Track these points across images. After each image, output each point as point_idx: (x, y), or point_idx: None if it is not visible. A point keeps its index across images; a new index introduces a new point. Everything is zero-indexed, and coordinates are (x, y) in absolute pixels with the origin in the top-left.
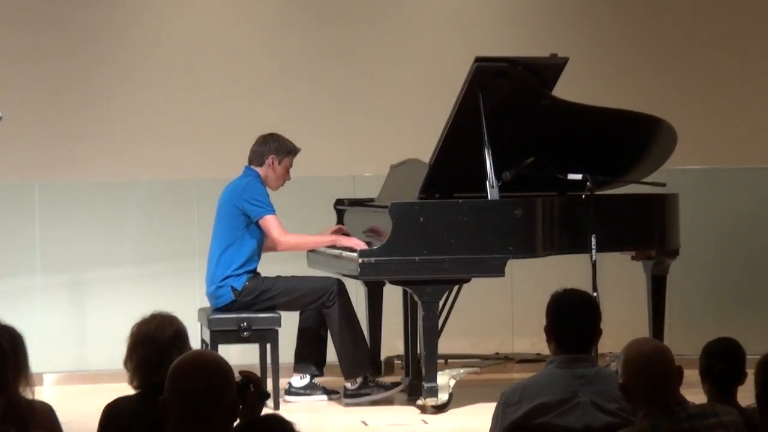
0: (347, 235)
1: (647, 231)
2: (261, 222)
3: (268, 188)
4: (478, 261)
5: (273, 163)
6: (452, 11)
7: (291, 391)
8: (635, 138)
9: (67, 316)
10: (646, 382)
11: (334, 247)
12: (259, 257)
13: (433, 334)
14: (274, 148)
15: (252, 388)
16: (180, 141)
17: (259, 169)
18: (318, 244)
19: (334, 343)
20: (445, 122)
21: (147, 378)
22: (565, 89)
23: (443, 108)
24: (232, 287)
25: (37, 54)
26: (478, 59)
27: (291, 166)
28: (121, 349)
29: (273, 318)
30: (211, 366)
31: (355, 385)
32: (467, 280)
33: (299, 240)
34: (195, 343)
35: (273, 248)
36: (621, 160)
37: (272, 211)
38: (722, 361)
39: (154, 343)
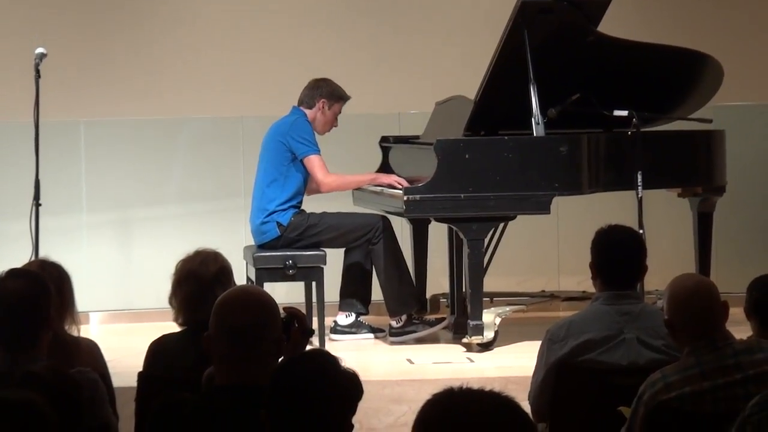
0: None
1: (693, 168)
2: (305, 161)
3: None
4: (524, 198)
5: (323, 107)
6: None
7: (336, 329)
8: (681, 74)
9: (112, 254)
10: (691, 317)
11: (376, 185)
12: (304, 194)
13: (479, 271)
14: (325, 93)
15: (296, 325)
16: (226, 79)
17: (308, 111)
18: (360, 183)
19: (379, 280)
20: (490, 59)
21: (192, 314)
22: (607, 25)
23: (488, 45)
24: (277, 222)
25: None
26: None
27: (340, 112)
28: (166, 288)
29: (318, 256)
30: (255, 301)
31: (401, 323)
32: (512, 218)
33: (342, 181)
34: (240, 282)
35: (317, 190)
36: (667, 97)
37: (317, 151)
38: None
39: (199, 280)
